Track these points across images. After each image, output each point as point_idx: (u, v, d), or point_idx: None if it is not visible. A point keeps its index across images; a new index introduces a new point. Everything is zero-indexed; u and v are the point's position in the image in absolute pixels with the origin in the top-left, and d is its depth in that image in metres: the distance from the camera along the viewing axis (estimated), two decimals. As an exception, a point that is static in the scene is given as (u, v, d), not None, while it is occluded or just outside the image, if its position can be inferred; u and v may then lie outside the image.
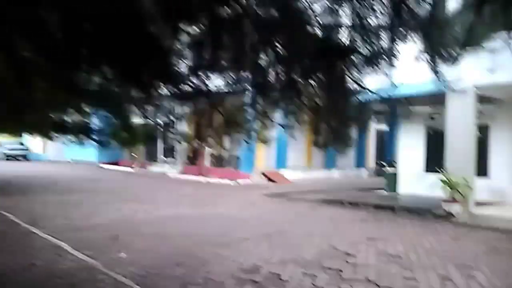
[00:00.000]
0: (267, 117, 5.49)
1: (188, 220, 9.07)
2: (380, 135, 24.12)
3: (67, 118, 6.37)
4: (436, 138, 13.27)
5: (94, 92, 5.15)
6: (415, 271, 5.53)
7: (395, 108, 9.89)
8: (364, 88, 3.21)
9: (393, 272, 5.49)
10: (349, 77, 3.15)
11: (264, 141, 5.94)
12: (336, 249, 6.63)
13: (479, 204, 10.40)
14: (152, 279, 5.06)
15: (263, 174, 17.69)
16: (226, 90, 5.03)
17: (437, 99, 10.36)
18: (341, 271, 5.46)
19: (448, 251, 6.72)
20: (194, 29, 4.08)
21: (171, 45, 4.21)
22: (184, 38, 4.15)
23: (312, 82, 3.55)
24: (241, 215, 10.09)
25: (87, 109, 6.09)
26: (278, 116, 5.36)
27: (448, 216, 9.60)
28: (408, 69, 4.00)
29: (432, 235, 7.95)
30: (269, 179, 17.34)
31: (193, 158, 20.86)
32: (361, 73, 3.09)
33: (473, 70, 8.86)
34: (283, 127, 4.61)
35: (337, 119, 3.58)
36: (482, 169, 11.32)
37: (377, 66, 2.92)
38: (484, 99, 10.88)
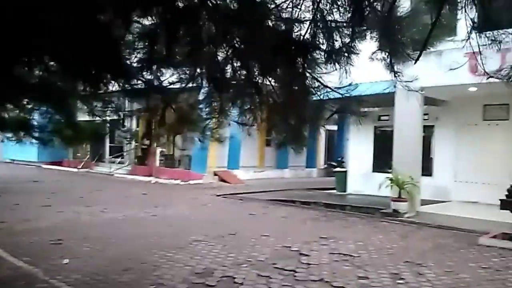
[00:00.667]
0: (222, 114, 5.32)
1: (137, 223, 8.69)
2: (330, 135, 24.64)
3: (5, 114, 5.85)
4: (383, 139, 13.74)
5: (36, 86, 4.75)
6: (367, 269, 5.60)
7: (347, 108, 10.06)
8: (324, 86, 3.15)
9: (346, 272, 5.53)
10: (309, 74, 3.07)
11: (220, 140, 5.76)
12: (290, 249, 6.60)
13: (424, 202, 10.84)
14: (98, 287, 4.74)
15: (215, 174, 17.46)
16: (180, 86, 4.82)
17: (385, 100, 10.66)
18: (295, 271, 5.42)
19: (397, 248, 6.91)
20: (147, 20, 3.85)
21: (122, 36, 3.94)
22: (137, 29, 3.90)
23: (271, 78, 3.44)
24: (193, 216, 9.85)
25: (27, 104, 5.62)
26: (233, 113, 5.23)
27: (396, 214, 9.91)
28: (358, 68, 3.97)
29: (382, 233, 8.16)
30: (222, 179, 17.15)
31: (143, 158, 20.18)
32: (321, 70, 3.03)
33: (420, 72, 9.20)
34: (240, 125, 4.47)
35: (296, 118, 3.50)
36: (426, 169, 11.82)
37: (338, 63, 2.86)
38: (429, 100, 11.34)
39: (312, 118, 3.77)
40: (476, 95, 11.07)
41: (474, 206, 11.18)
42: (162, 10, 3.67)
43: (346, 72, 2.95)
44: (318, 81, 3.05)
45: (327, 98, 3.64)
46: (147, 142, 18.05)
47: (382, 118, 13.97)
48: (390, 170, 13.31)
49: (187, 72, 4.43)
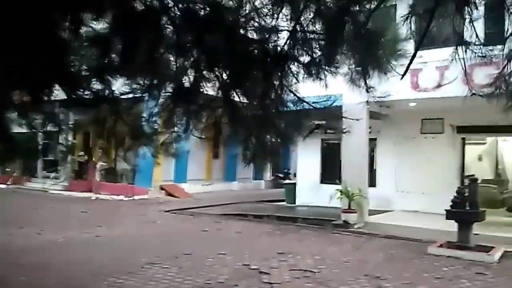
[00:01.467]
0: (177, 126, 5.00)
1: (80, 245, 7.96)
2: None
3: None
4: (331, 151, 13.99)
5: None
6: (330, 286, 5.49)
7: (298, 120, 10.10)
8: (300, 98, 2.98)
9: (309, 289, 5.38)
10: (286, 86, 2.89)
11: (175, 155, 5.41)
12: (249, 267, 6.33)
13: (370, 212, 11.06)
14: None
15: (162, 188, 16.79)
16: (134, 97, 4.45)
17: (333, 114, 10.80)
18: (258, 292, 5.18)
19: (354, 261, 6.89)
20: (99, 23, 3.47)
21: (69, 40, 3.53)
22: (87, 33, 3.51)
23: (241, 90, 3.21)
24: (142, 235, 9.25)
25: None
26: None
27: (346, 226, 10.00)
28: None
29: (336, 246, 8.15)
30: (169, 194, 16.52)
31: (80, 172, 18.92)
32: (298, 82, 2.87)
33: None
34: (200, 138, 4.19)
35: (271, 132, 3.30)
36: (370, 180, 12.12)
37: (317, 75, 2.71)
38: (372, 114, 11.69)
39: (287, 133, 3.59)
40: (414, 110, 11.59)
41: (415, 215, 11.60)
42: (117, 12, 3.33)
43: (325, 86, 2.81)
44: (294, 94, 2.87)
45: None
46: (85, 155, 16.98)
47: (329, 131, 14.20)
48: (337, 182, 13.59)
49: (143, 81, 4.09)
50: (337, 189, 10.61)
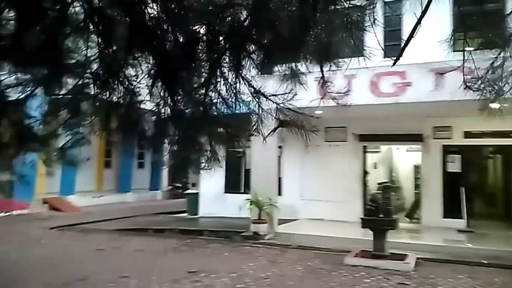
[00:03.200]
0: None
1: None
2: (172, 156, 23.72)
3: None
4: (235, 159, 13.58)
5: None
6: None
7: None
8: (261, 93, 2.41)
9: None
10: (243, 78, 2.30)
11: (73, 163, 4.40)
12: (161, 293, 5.49)
13: (277, 222, 10.86)
14: None
15: (45, 201, 14.63)
16: (24, 91, 3.42)
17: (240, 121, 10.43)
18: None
19: (273, 277, 6.48)
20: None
21: None
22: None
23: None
24: (25, 258, 7.68)
25: None
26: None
27: (257, 237, 9.63)
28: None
29: (250, 260, 7.66)
30: (54, 208, 14.46)
31: None
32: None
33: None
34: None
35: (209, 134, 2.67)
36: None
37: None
38: (282, 122, 11.60)
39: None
40: (319, 118, 11.78)
41: (321, 223, 11.75)
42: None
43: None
44: (253, 87, 2.28)
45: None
46: None
47: (234, 138, 13.84)
48: (242, 191, 13.23)
49: (38, 71, 3.12)
50: (247, 199, 10.19)
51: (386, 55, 10.18)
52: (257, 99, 2.68)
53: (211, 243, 9.42)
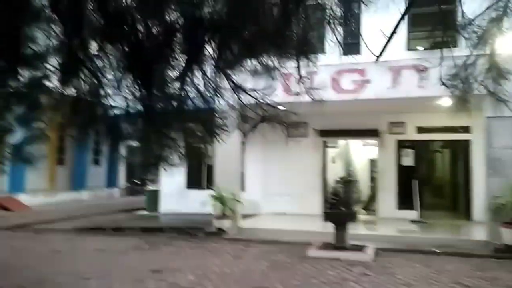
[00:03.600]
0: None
1: None
2: (130, 152, 23.09)
3: None
4: (196, 154, 13.43)
5: None
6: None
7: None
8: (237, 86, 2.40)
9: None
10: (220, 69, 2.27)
11: (29, 161, 4.19)
12: (125, 293, 5.36)
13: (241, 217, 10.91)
14: None
15: (-7, 201, 13.83)
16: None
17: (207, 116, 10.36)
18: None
19: (238, 273, 6.50)
20: None
21: None
22: None
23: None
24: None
25: None
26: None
27: (221, 233, 9.62)
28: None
29: (215, 257, 7.64)
30: (2, 207, 13.67)
31: None
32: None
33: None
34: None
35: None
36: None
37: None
38: (244, 118, 11.62)
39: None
40: (282, 113, 11.91)
41: (283, 217, 11.92)
42: None
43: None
44: (232, 81, 2.26)
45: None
46: None
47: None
48: (205, 187, 13.14)
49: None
50: (211, 195, 10.13)
51: (345, 52, 10.42)
52: (236, 94, 2.65)
53: (174, 240, 9.29)
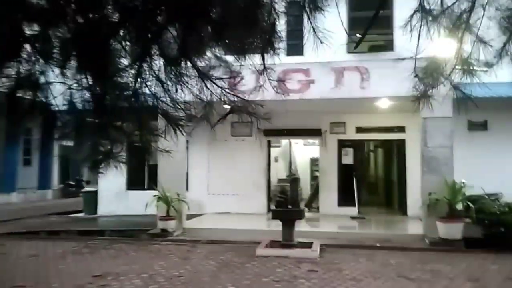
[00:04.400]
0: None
1: None
2: (65, 151, 21.68)
3: None
4: (138, 154, 12.96)
5: None
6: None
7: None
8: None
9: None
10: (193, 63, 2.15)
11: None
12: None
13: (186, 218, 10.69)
14: None
15: None
16: None
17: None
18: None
19: (187, 275, 6.34)
20: None
21: None
22: None
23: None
24: None
25: None
26: None
27: (165, 234, 9.34)
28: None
29: (161, 259, 7.41)
30: None
31: None
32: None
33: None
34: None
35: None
36: (183, 184, 11.79)
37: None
38: (189, 116, 11.40)
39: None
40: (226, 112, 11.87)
41: (228, 216, 11.85)
42: None
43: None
44: (198, 69, 2.15)
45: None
46: None
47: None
48: (147, 187, 12.70)
49: None
50: (154, 195, 9.80)
51: (289, 52, 10.52)
52: (203, 83, 2.52)
53: (114, 243, 8.87)
